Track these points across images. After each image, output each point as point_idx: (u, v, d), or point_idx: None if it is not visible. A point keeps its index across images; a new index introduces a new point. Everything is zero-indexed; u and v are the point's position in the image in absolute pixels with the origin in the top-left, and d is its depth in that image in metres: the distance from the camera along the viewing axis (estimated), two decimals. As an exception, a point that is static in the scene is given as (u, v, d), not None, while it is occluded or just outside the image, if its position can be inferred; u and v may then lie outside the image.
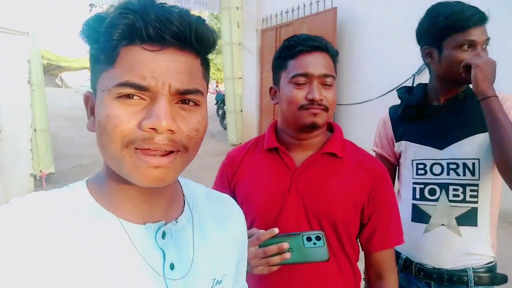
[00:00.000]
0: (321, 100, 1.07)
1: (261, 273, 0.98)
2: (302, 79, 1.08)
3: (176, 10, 0.55)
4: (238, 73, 8.88)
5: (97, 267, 0.56)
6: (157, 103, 0.54)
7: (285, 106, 1.12)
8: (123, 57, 0.54)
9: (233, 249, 0.76)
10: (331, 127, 1.25)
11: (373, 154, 1.49)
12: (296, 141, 1.16)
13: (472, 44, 1.28)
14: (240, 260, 0.80)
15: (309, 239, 0.95)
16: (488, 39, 1.29)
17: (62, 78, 21.43)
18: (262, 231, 0.98)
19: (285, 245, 0.94)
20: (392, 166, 1.53)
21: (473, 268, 1.32)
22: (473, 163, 1.32)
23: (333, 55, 1.14)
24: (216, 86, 24.21)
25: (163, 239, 0.63)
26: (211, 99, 13.67)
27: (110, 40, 0.54)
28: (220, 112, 11.36)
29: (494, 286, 1.33)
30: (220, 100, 11.20)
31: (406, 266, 1.44)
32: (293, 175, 1.14)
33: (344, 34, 6.33)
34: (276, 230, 0.97)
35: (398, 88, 1.58)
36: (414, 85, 1.57)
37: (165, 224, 0.64)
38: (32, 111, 5.49)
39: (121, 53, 0.54)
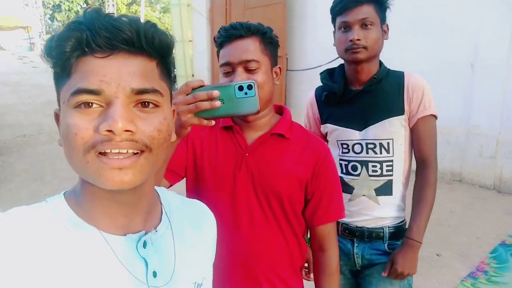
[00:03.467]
0: None
1: (189, 122, 0.92)
2: (226, 68, 1.16)
3: (125, 18, 0.57)
4: (188, 35, 8.62)
5: (81, 280, 0.57)
6: (113, 106, 0.55)
7: None
8: (77, 68, 0.56)
9: (210, 251, 0.81)
10: (281, 110, 1.32)
11: None
12: (245, 123, 1.23)
13: (348, 25, 1.46)
14: (213, 260, 0.85)
15: (241, 88, 0.91)
16: (365, 18, 1.44)
17: (-4, 38, 19.71)
18: (194, 80, 0.96)
19: (215, 93, 0.89)
20: None
21: (388, 227, 1.56)
22: (388, 143, 1.52)
23: (263, 35, 1.18)
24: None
25: (144, 248, 0.64)
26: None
27: (62, 53, 0.56)
28: (171, 75, 11.05)
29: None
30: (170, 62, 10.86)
31: None
32: (244, 153, 1.21)
33: (295, -2, 6.29)
34: (202, 81, 0.95)
35: (321, 72, 1.70)
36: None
37: (145, 234, 0.65)
38: (-35, 78, 5.09)
39: (75, 65, 0.56)
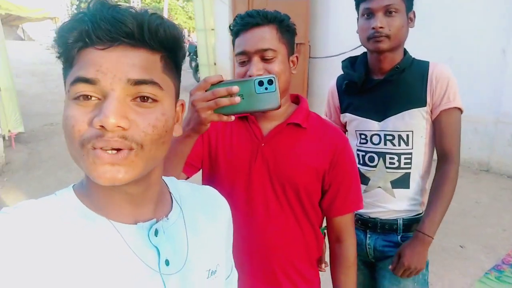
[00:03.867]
0: (260, 75, 1.09)
1: (209, 119, 0.92)
2: (242, 57, 1.13)
3: (132, 10, 0.57)
4: (210, 24, 8.60)
5: (93, 270, 0.57)
6: (107, 99, 0.54)
7: None
8: (79, 59, 0.56)
9: (223, 237, 0.80)
10: (297, 99, 1.30)
11: None
12: (260, 112, 1.19)
13: (371, 12, 1.41)
14: (229, 246, 0.84)
15: (261, 83, 0.89)
16: (389, 5, 1.37)
17: (24, 30, 20.19)
18: (213, 75, 0.95)
19: (235, 88, 0.87)
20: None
21: (403, 219, 1.52)
22: (407, 135, 1.47)
23: (280, 23, 1.15)
24: (188, 35, 23.43)
25: (156, 236, 0.64)
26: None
27: (66, 43, 0.57)
28: (193, 64, 11.03)
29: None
30: (193, 52, 10.79)
31: None
32: (259, 144, 1.19)
33: (318, -16, 6.18)
34: (221, 76, 0.93)
35: (343, 60, 1.64)
36: None
37: (156, 222, 0.65)
38: (-6, 68, 5.25)
39: (77, 56, 0.57)
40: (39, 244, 0.55)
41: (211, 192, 0.85)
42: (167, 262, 0.64)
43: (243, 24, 1.13)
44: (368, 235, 1.57)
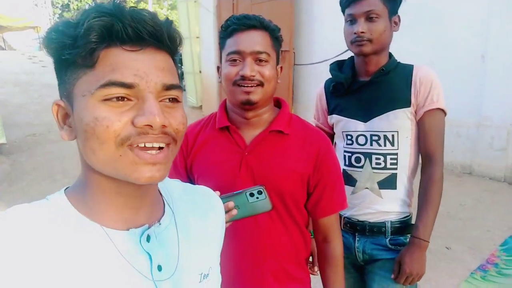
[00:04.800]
0: (253, 76, 1.13)
1: None
2: (235, 56, 1.14)
3: (147, 12, 0.57)
4: (195, 31, 8.61)
5: (84, 277, 0.56)
6: (147, 100, 0.55)
7: (224, 83, 1.19)
8: (103, 59, 0.55)
9: (216, 240, 0.79)
10: (279, 103, 1.30)
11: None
12: (244, 120, 1.22)
13: (353, 18, 1.45)
14: (220, 247, 0.84)
15: (252, 194, 1.04)
16: (370, 10, 1.41)
17: (5, 39, 19.91)
18: None
19: (231, 204, 1.02)
20: (330, 136, 1.66)
21: (391, 221, 1.53)
22: (393, 135, 1.49)
23: (272, 32, 1.17)
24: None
25: (148, 242, 0.64)
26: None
27: (88, 43, 0.54)
28: (178, 72, 11.02)
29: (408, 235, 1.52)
30: (177, 60, 10.82)
31: None
32: (243, 153, 1.20)
33: (301, -9, 6.25)
34: (217, 193, 0.99)
35: (331, 63, 1.69)
36: None
37: (148, 228, 0.65)
38: (-25, 79, 5.15)
39: (101, 56, 0.55)
40: (29, 249, 0.54)
41: (205, 192, 0.84)
42: (159, 268, 0.64)
43: (240, 24, 1.14)
44: (357, 238, 1.57)
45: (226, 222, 1.00)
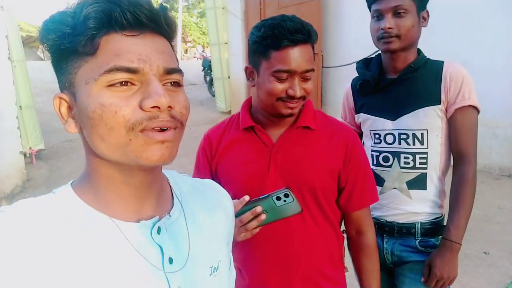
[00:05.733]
0: (301, 96, 1.12)
1: (245, 239, 1.03)
2: (284, 75, 1.09)
3: None
4: (224, 38, 8.70)
5: (95, 270, 0.56)
6: (152, 83, 0.55)
7: (264, 95, 1.15)
8: (104, 46, 0.55)
9: (224, 234, 0.79)
10: None
11: None
12: (270, 120, 1.21)
13: (380, 13, 1.41)
14: (230, 241, 0.83)
15: (278, 198, 1.01)
16: (397, 6, 1.37)
17: (44, 50, 20.78)
18: (235, 201, 0.99)
19: (258, 208, 0.99)
20: (358, 135, 1.62)
21: (421, 223, 1.47)
22: (422, 134, 1.44)
23: (314, 42, 1.14)
24: (203, 51, 23.67)
25: (159, 234, 0.63)
26: (197, 65, 13.41)
27: (88, 29, 0.54)
28: (208, 78, 11.17)
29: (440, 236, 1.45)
30: (207, 67, 10.95)
31: None
32: (271, 151, 1.19)
33: (329, -6, 6.21)
34: (246, 198, 1.02)
35: (357, 61, 1.65)
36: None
37: (159, 220, 0.64)
38: (16, 88, 5.38)
39: (101, 42, 0.55)
40: (37, 242, 0.53)
41: (212, 186, 0.83)
42: (170, 260, 0.63)
43: (293, 40, 1.07)
44: (385, 240, 1.53)
45: (255, 228, 1.01)
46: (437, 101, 1.42)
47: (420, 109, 1.43)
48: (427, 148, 1.44)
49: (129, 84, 0.55)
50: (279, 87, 1.10)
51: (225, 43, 8.72)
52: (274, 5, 7.31)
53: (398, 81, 1.48)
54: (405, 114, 1.46)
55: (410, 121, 1.45)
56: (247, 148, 1.22)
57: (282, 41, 1.07)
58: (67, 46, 0.55)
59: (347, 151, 1.19)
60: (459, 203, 1.38)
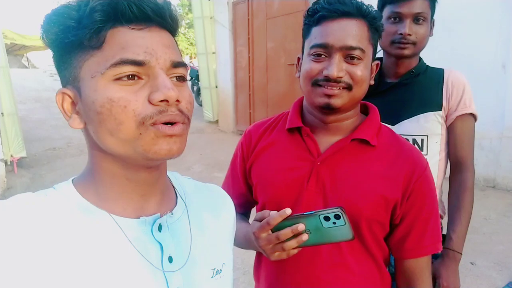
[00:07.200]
0: (340, 77, 0.92)
1: (279, 259, 0.87)
2: (320, 50, 0.93)
3: None
4: (212, 47, 8.70)
5: (92, 266, 0.55)
6: (159, 76, 0.55)
7: (302, 81, 0.99)
8: (111, 39, 0.54)
9: (229, 238, 0.78)
10: (366, 109, 1.09)
11: None
12: (321, 123, 1.01)
13: (399, 17, 1.37)
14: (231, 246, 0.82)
15: (327, 218, 0.81)
16: (419, 13, 1.34)
17: (29, 58, 20.53)
18: (273, 212, 0.85)
19: (301, 226, 0.80)
20: None
21: None
22: (422, 139, 1.42)
23: (372, 20, 0.95)
24: (190, 61, 23.71)
25: (160, 232, 0.62)
26: (185, 75, 13.35)
27: (95, 22, 0.53)
28: (195, 88, 11.15)
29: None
30: (195, 76, 10.94)
31: None
32: (315, 161, 0.99)
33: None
34: (288, 211, 0.82)
35: None
36: None
37: (160, 217, 0.63)
38: (-2, 94, 5.29)
39: (107, 35, 0.54)
40: (34, 237, 0.52)
41: (216, 190, 0.83)
42: (170, 259, 0.62)
43: (330, 10, 0.92)
44: None
45: (294, 248, 0.85)
46: (439, 107, 1.41)
47: (421, 114, 1.41)
48: (427, 154, 1.41)
49: (136, 77, 0.55)
50: (314, 67, 0.94)
51: (213, 53, 8.72)
52: (262, 15, 7.35)
53: (398, 86, 1.46)
54: (406, 119, 1.43)
55: (411, 126, 1.42)
56: (289, 152, 1.04)
57: (319, 13, 0.94)
58: (72, 39, 0.54)
59: (410, 180, 0.96)
60: (460, 212, 1.35)
